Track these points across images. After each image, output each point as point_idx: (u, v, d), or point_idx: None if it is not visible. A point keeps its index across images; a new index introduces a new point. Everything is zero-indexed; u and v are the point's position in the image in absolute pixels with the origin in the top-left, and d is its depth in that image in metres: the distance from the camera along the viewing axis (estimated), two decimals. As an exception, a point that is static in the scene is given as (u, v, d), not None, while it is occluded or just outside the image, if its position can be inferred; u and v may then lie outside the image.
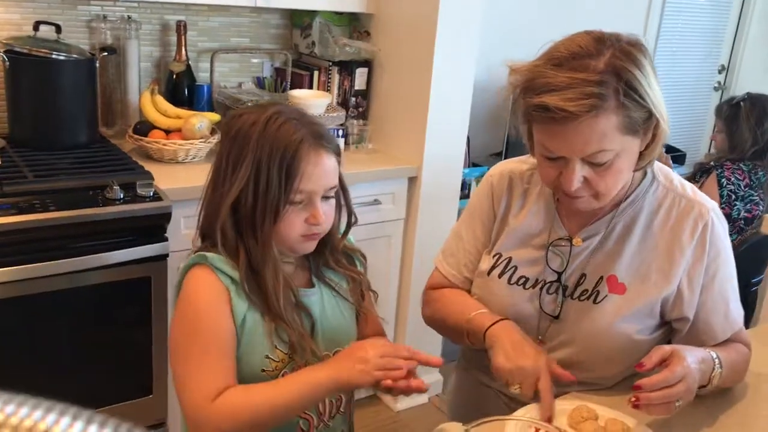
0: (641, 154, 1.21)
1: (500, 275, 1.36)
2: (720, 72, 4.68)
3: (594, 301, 1.28)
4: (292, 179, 1.15)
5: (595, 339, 1.27)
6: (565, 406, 1.20)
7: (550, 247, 1.32)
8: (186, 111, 2.39)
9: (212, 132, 2.36)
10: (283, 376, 1.19)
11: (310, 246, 1.24)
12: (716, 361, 1.21)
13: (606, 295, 1.27)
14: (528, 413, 1.16)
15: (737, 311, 1.33)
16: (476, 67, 2.64)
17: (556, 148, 1.15)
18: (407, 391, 1.12)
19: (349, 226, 1.33)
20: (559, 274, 1.31)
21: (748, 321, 3.00)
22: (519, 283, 1.34)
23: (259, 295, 1.18)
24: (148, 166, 2.16)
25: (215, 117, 2.39)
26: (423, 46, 2.52)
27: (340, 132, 2.61)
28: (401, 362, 1.11)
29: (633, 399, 1.09)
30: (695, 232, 1.26)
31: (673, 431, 1.20)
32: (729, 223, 2.78)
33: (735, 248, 2.69)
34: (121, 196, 1.96)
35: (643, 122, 1.14)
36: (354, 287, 1.34)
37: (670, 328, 1.32)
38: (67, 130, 2.20)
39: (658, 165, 1.34)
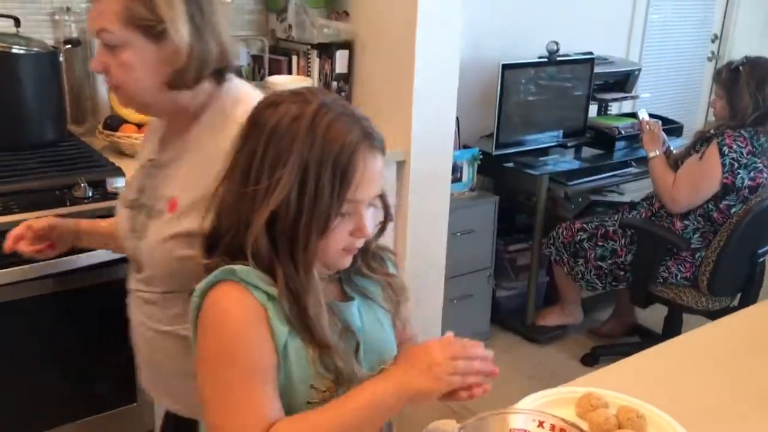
0: (176, 73, 1.21)
1: (121, 200, 1.41)
2: (713, 41, 4.56)
3: (151, 218, 1.29)
4: (346, 187, 0.99)
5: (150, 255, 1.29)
6: (572, 394, 1.09)
7: (141, 167, 1.38)
8: (158, 103, 2.27)
9: (187, 124, 2.24)
10: None
11: (348, 261, 1.09)
12: None
13: (162, 213, 1.28)
14: (533, 404, 1.06)
15: None
16: (464, 45, 2.53)
17: None
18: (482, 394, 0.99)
19: (384, 226, 1.16)
20: (138, 192, 1.35)
21: (756, 295, 2.90)
22: (126, 206, 1.38)
23: (299, 320, 1.01)
24: (121, 164, 2.05)
25: (189, 108, 2.27)
26: (404, 24, 2.40)
27: (323, 118, 2.49)
28: (477, 364, 0.97)
29: None
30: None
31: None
32: (733, 192, 2.68)
33: (740, 219, 2.62)
34: (90, 195, 1.85)
35: (148, 23, 1.17)
36: (388, 294, 1.17)
37: None
38: (32, 128, 2.07)
39: (245, 89, 1.32)
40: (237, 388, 0.97)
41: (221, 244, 1.05)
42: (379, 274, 1.17)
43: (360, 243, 1.07)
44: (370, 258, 1.16)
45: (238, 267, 1.00)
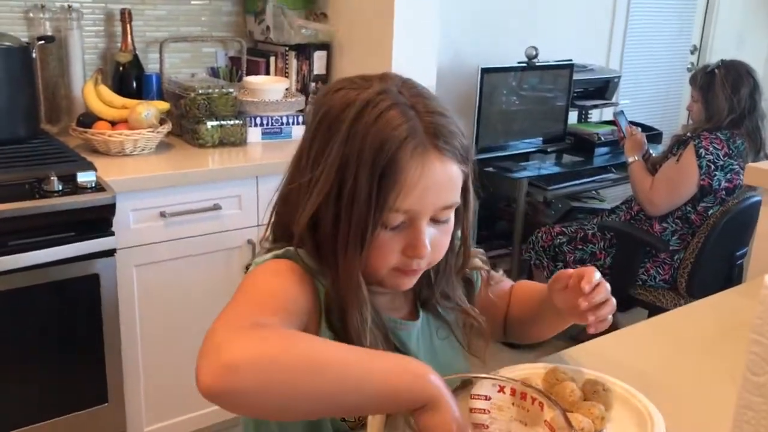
0: None
1: None
2: (692, 53, 4.61)
3: None
4: (386, 193, 0.81)
5: None
6: (538, 370, 1.08)
7: None
8: (133, 101, 2.25)
9: (162, 122, 2.22)
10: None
11: (406, 283, 0.90)
12: None
13: None
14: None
15: None
16: (443, 49, 2.54)
17: None
18: None
19: (464, 256, 0.99)
20: None
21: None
22: None
23: (342, 326, 0.87)
24: (94, 160, 2.03)
25: (164, 105, 2.25)
26: (381, 26, 2.40)
27: (300, 119, 2.48)
28: None
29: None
30: None
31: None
32: (710, 194, 2.68)
33: (717, 220, 2.62)
34: (60, 188, 1.83)
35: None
36: (467, 324, 1.03)
37: None
38: (1, 123, 2.05)
39: None
40: (236, 304, 0.80)
41: (280, 231, 0.94)
42: (456, 308, 1.02)
43: (419, 264, 0.88)
44: (450, 287, 1.00)
45: (300, 250, 0.88)
